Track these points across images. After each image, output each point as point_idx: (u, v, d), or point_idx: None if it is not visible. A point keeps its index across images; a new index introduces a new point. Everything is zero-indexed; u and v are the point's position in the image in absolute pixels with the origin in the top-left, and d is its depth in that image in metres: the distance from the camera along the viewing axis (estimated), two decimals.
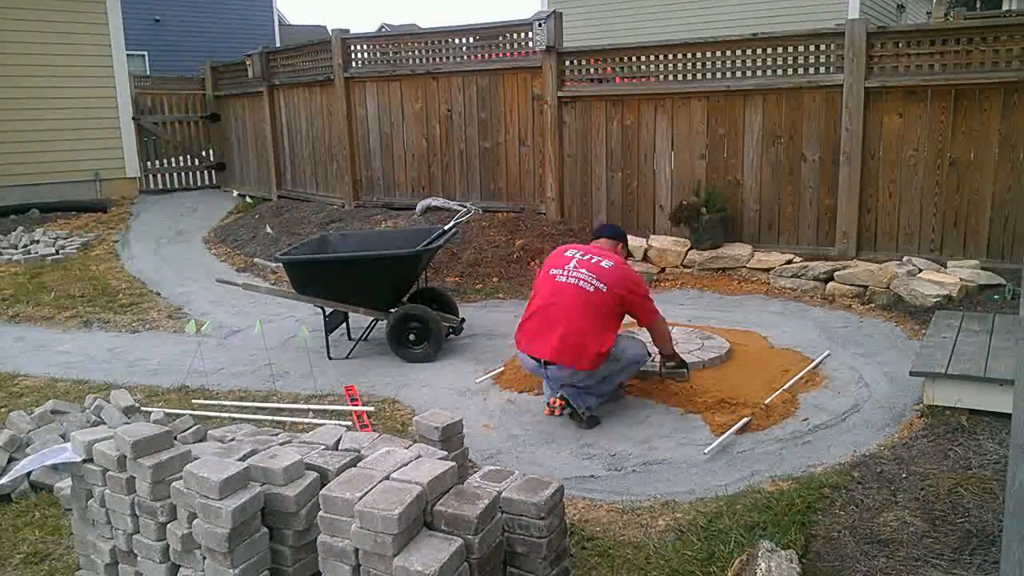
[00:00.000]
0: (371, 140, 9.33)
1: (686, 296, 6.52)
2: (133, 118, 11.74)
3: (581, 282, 4.12)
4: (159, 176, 12.41)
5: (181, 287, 7.57)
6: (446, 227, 5.78)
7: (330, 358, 5.37)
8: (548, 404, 4.34)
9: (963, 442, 3.64)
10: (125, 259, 8.75)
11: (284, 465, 2.47)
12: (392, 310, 5.35)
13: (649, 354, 4.41)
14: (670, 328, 4.58)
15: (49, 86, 10.74)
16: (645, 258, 7.15)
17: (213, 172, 12.88)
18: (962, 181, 6.16)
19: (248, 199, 11.21)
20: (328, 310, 5.41)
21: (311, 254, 5.60)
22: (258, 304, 6.76)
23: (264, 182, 11.44)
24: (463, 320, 5.63)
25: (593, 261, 4.20)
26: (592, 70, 7.72)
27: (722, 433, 3.90)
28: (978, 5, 20.48)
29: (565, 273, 4.18)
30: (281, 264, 5.74)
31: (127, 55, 11.75)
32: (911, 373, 4.05)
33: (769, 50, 6.75)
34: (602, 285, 4.09)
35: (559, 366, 4.05)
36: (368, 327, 5.61)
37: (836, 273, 6.26)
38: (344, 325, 5.77)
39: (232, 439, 3.23)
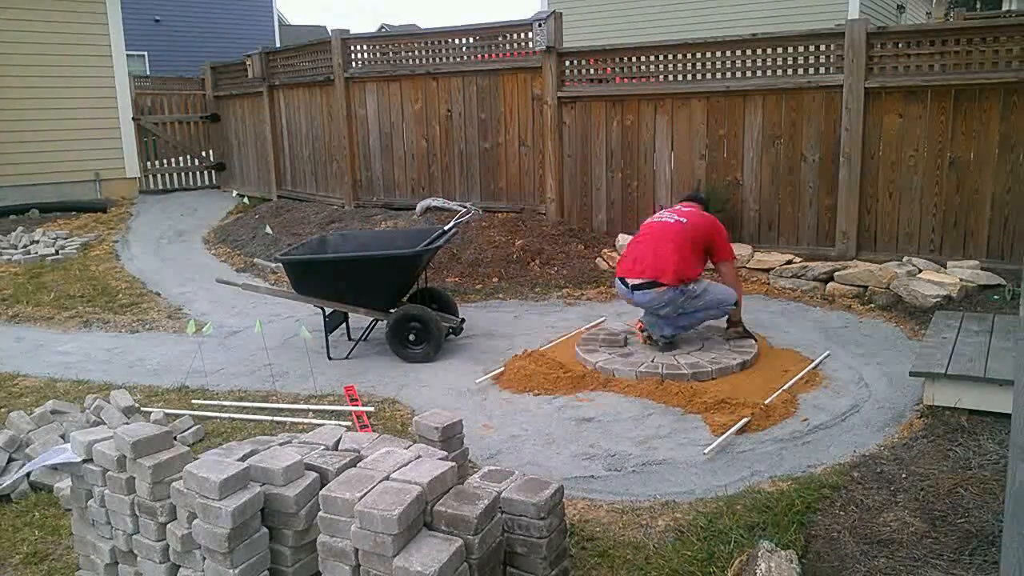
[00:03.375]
0: (371, 140, 9.33)
1: None
2: (133, 118, 11.75)
3: (664, 217, 5.12)
4: (159, 176, 12.41)
5: (181, 287, 7.57)
6: (446, 227, 5.78)
7: (330, 358, 5.37)
8: (637, 330, 5.25)
9: (963, 442, 3.64)
10: (125, 259, 8.75)
11: (284, 465, 2.47)
12: (392, 310, 5.34)
13: (735, 304, 5.07)
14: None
15: (49, 86, 10.75)
16: None
17: (213, 172, 12.88)
18: (962, 181, 6.16)
19: (248, 199, 11.22)
20: (328, 310, 5.41)
21: (311, 254, 5.59)
22: (258, 304, 6.76)
23: (264, 182, 11.44)
24: (463, 320, 5.63)
25: (676, 207, 5.30)
26: (592, 70, 7.72)
27: (722, 433, 3.90)
28: (978, 5, 20.50)
29: (656, 217, 5.21)
30: (281, 264, 5.74)
31: (127, 55, 11.75)
32: (911, 373, 4.05)
33: (769, 50, 6.75)
34: (683, 219, 5.03)
35: (643, 290, 4.83)
36: (368, 327, 5.62)
37: (836, 273, 6.26)
38: (344, 325, 5.77)
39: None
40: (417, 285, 5.69)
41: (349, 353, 5.45)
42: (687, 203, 5.36)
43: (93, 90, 11.19)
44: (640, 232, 5.15)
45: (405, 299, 5.56)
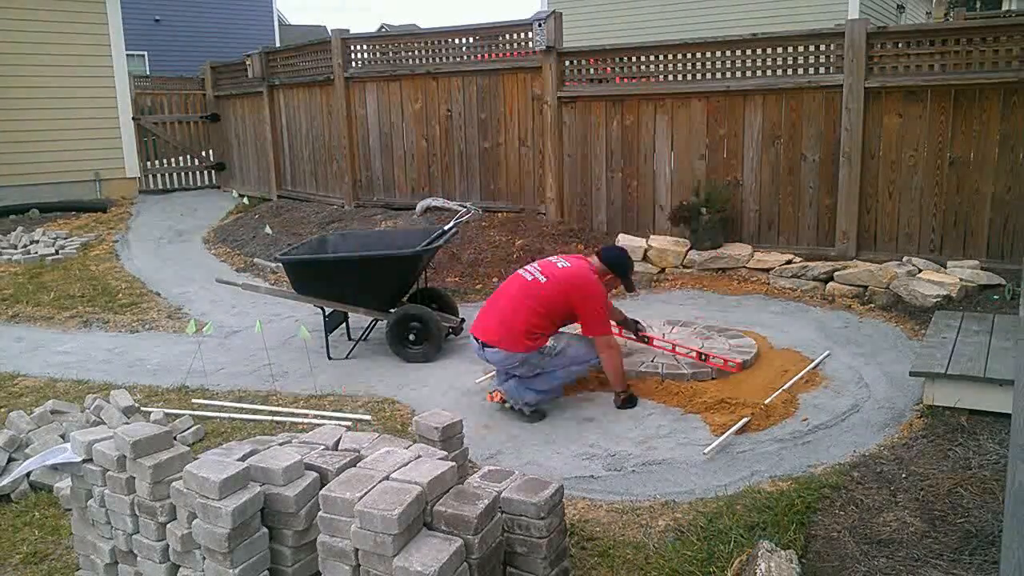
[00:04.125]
0: (371, 140, 9.33)
1: (686, 296, 6.52)
2: (133, 118, 11.75)
3: (526, 272, 4.39)
4: (159, 176, 12.41)
5: (181, 287, 7.57)
6: (446, 227, 5.78)
7: (330, 358, 5.37)
8: (490, 392, 4.54)
9: (963, 442, 3.64)
10: (125, 259, 8.75)
11: (284, 465, 2.47)
12: (392, 310, 5.34)
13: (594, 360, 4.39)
14: (683, 327, 4.56)
15: (49, 86, 10.74)
16: (645, 258, 7.15)
17: (213, 172, 12.88)
18: (962, 181, 6.16)
19: (248, 199, 11.22)
20: (328, 310, 5.41)
21: (310, 254, 5.59)
22: (258, 304, 6.76)
23: (264, 182, 11.44)
24: (463, 320, 5.63)
25: (552, 260, 4.46)
26: (592, 70, 7.72)
27: (722, 433, 3.90)
28: (978, 5, 20.50)
29: (523, 269, 4.48)
30: (281, 264, 5.73)
31: (127, 55, 11.75)
32: (911, 373, 4.05)
33: (769, 50, 6.75)
34: (543, 277, 4.28)
35: (495, 348, 4.22)
36: (368, 327, 5.61)
37: (836, 273, 6.26)
38: (344, 325, 5.77)
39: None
40: (417, 285, 5.68)
41: (349, 353, 5.45)
42: (593, 259, 4.51)
43: (93, 90, 11.19)
44: (503, 286, 4.50)
45: (405, 299, 5.56)
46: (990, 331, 4.51)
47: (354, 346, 5.53)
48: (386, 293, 5.34)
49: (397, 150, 9.12)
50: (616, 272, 4.52)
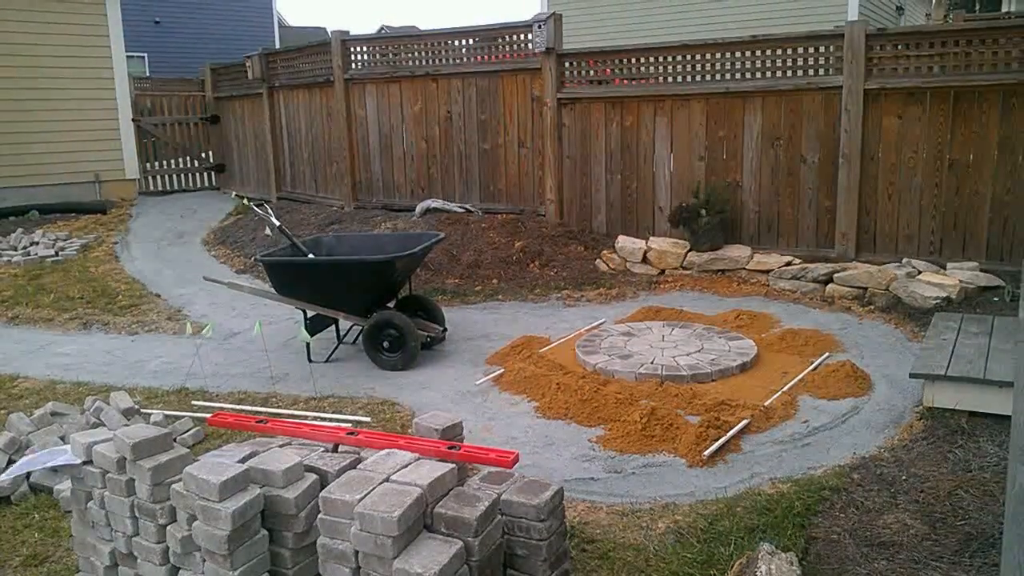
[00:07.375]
0: (371, 142, 9.33)
1: (685, 298, 6.52)
2: (133, 120, 11.75)
3: None
4: (159, 178, 12.42)
5: (181, 289, 7.57)
6: (440, 234, 5.73)
7: (310, 360, 5.27)
8: None
9: (963, 444, 3.64)
10: (125, 261, 8.74)
11: (284, 467, 2.47)
12: (373, 315, 5.24)
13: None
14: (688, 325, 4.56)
15: (49, 87, 10.75)
16: (644, 260, 7.15)
17: (213, 174, 12.89)
18: (961, 183, 6.16)
19: (247, 200, 11.20)
20: (310, 312, 5.33)
21: (290, 256, 5.53)
22: (257, 306, 6.75)
23: (264, 184, 11.44)
24: (446, 330, 5.56)
25: None
26: (591, 72, 7.73)
27: (722, 435, 3.90)
28: (977, 7, 20.51)
29: None
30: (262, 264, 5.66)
31: (127, 56, 11.76)
32: (911, 375, 4.05)
33: (768, 52, 6.76)
34: None
35: None
36: (348, 329, 5.58)
37: (835, 275, 6.26)
38: (334, 327, 5.67)
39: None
40: (408, 290, 5.63)
41: (329, 356, 5.39)
42: None
43: (93, 91, 11.19)
44: None
45: (393, 304, 5.48)
46: (990, 333, 4.51)
47: (335, 348, 5.45)
48: (362, 298, 5.22)
49: (397, 151, 9.12)
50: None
